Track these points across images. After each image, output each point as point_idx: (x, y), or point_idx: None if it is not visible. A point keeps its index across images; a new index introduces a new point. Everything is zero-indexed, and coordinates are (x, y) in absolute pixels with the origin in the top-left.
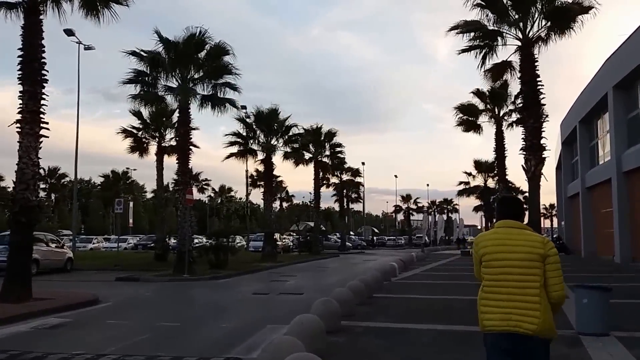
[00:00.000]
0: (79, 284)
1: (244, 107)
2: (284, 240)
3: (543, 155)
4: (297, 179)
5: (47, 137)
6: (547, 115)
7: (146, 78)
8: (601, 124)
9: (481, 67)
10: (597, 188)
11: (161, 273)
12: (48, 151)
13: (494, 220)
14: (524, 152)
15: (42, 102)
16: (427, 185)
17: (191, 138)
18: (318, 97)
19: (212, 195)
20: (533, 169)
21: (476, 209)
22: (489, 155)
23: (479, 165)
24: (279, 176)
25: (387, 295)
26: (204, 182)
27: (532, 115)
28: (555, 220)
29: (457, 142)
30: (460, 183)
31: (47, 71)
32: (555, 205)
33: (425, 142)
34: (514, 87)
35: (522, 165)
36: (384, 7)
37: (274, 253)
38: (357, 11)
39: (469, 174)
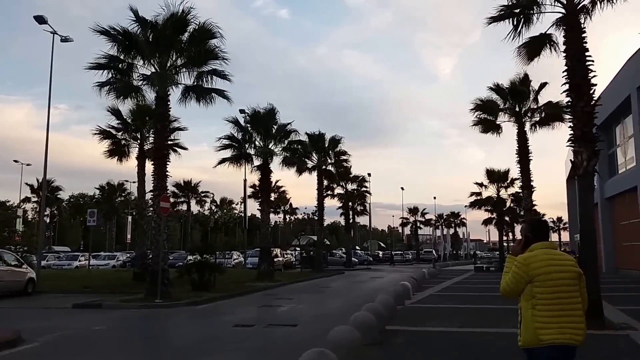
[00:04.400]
0: (26, 312)
1: (242, 112)
2: (285, 256)
3: (596, 148)
4: (302, 193)
5: None
6: (599, 97)
7: (120, 64)
8: (621, 130)
9: (513, 39)
10: (618, 198)
11: (131, 297)
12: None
13: (525, 238)
14: (572, 144)
15: None
16: (434, 198)
17: (169, 135)
18: (324, 114)
19: (213, 208)
20: (585, 164)
21: (485, 222)
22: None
23: (491, 175)
24: (282, 187)
25: (403, 327)
26: (202, 194)
27: (581, 96)
28: (563, 234)
29: (461, 157)
30: (472, 194)
31: None
32: (564, 218)
33: (429, 157)
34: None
35: (571, 160)
36: (389, 27)
37: (270, 271)
38: (362, 31)
39: (481, 185)
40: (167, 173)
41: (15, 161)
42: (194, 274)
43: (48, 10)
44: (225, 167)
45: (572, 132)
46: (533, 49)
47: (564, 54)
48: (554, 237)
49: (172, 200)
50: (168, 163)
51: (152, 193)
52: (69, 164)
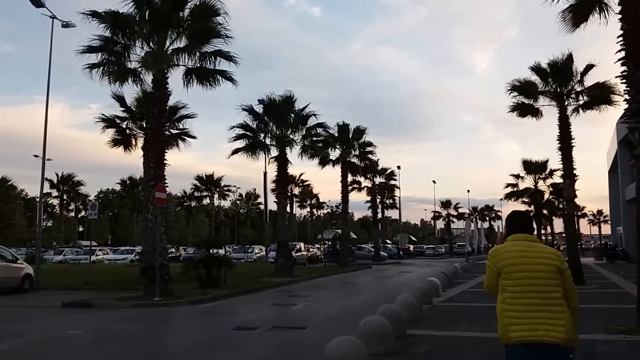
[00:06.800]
0: (7, 312)
1: (261, 102)
2: (311, 250)
3: None
4: (332, 189)
5: None
6: None
7: (114, 47)
8: None
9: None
10: None
11: (129, 295)
12: (63, 160)
13: (505, 231)
14: (628, 120)
15: None
16: (468, 191)
17: (166, 121)
18: (357, 110)
19: (238, 202)
20: None
21: None
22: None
23: (528, 166)
24: (307, 180)
25: (427, 332)
26: (225, 188)
27: None
28: (603, 226)
29: (496, 151)
30: (508, 185)
31: None
32: (604, 210)
33: (463, 152)
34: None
35: (629, 137)
36: (424, 22)
37: (289, 266)
38: (397, 27)
39: (517, 176)
40: (165, 161)
41: (36, 156)
42: (201, 269)
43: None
44: (249, 161)
45: (627, 106)
46: (580, 12)
47: (619, 16)
48: (593, 230)
49: (195, 194)
50: (167, 150)
51: (149, 183)
52: (102, 162)
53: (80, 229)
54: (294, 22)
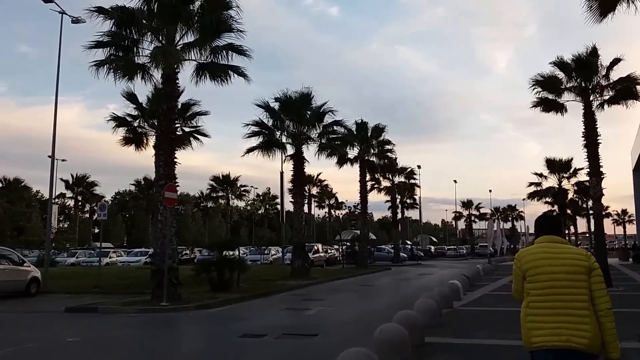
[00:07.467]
0: (8, 317)
1: (278, 100)
2: (329, 252)
3: None
4: (352, 189)
5: None
6: None
7: (122, 42)
8: None
9: None
10: None
11: (136, 299)
12: (81, 161)
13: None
14: None
15: None
16: (490, 191)
17: (177, 117)
18: (376, 110)
19: (256, 202)
20: None
21: None
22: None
23: (552, 165)
24: (325, 180)
25: (446, 339)
26: (242, 189)
27: None
28: (628, 226)
29: (517, 151)
30: (530, 184)
31: None
32: (629, 210)
33: (483, 152)
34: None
35: None
36: (441, 22)
37: (305, 268)
38: (414, 27)
39: (540, 175)
40: (175, 159)
41: (50, 156)
42: (213, 272)
43: None
44: (266, 162)
45: None
46: (608, 1)
47: None
48: (617, 230)
49: (212, 195)
50: (177, 150)
51: (159, 182)
52: (120, 163)
53: (96, 230)
54: (311, 22)
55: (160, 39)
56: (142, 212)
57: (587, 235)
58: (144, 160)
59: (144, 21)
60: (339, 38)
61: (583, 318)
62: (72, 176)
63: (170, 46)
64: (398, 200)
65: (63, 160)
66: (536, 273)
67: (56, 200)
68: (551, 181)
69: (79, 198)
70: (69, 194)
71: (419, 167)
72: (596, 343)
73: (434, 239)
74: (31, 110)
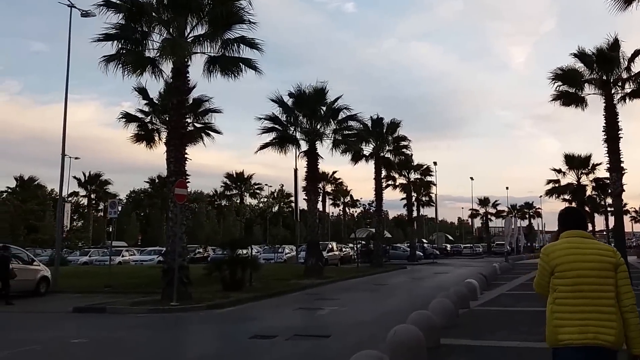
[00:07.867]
0: (16, 317)
1: (292, 96)
2: (344, 250)
3: None
4: (368, 187)
5: None
6: None
7: (132, 34)
8: None
9: None
10: None
11: (146, 299)
12: (97, 160)
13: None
14: None
15: None
16: (507, 188)
17: (187, 112)
18: (392, 107)
19: (266, 199)
20: None
21: None
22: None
23: (571, 160)
24: (339, 178)
25: (463, 341)
26: (255, 186)
27: None
28: None
29: (535, 148)
30: (549, 182)
31: None
32: None
33: (501, 149)
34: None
35: None
36: (458, 17)
37: (319, 267)
38: (431, 22)
39: (559, 171)
40: (186, 155)
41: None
42: (225, 271)
43: None
44: (280, 159)
45: None
46: None
47: None
48: (636, 227)
49: (226, 193)
50: (188, 145)
51: (169, 179)
52: (136, 161)
53: (110, 229)
54: (327, 19)
55: (171, 31)
56: (157, 210)
57: (605, 232)
58: (159, 159)
59: (154, 13)
60: (355, 34)
61: (610, 315)
62: (84, 174)
63: (179, 38)
64: (414, 198)
65: (76, 158)
66: (565, 269)
67: (69, 198)
68: (569, 178)
69: (93, 196)
70: (83, 192)
71: (435, 164)
72: (621, 340)
73: (450, 237)
74: (47, 109)
